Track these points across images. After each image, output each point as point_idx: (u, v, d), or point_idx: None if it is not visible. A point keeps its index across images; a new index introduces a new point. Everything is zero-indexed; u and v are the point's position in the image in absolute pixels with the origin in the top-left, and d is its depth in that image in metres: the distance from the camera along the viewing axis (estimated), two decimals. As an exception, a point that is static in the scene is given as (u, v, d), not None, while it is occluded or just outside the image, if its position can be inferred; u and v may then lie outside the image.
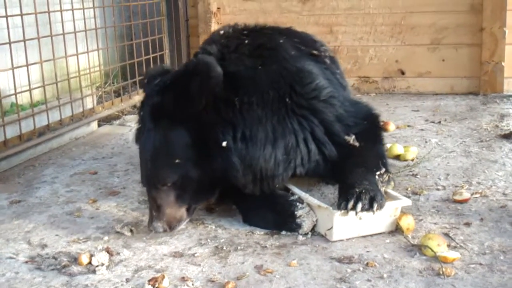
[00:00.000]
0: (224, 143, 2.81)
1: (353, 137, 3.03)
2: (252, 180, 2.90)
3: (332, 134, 3.02)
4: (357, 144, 3.01)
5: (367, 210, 2.67)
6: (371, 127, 3.20)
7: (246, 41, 3.15)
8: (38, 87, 4.46)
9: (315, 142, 2.99)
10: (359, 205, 2.66)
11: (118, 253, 2.72)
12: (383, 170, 2.94)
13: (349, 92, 3.53)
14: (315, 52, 3.33)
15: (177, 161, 2.83)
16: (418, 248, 2.63)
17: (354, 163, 2.94)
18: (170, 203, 2.87)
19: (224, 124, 2.83)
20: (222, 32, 3.31)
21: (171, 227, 2.88)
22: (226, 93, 2.83)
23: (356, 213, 2.66)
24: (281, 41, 3.23)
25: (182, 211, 2.92)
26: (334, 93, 3.13)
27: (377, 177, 2.87)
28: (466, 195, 3.17)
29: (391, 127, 4.59)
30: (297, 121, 2.96)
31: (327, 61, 3.37)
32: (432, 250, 2.54)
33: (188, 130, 2.83)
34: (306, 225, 2.83)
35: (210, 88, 2.78)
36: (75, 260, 2.66)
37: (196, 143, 2.84)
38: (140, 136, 3.03)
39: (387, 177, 2.95)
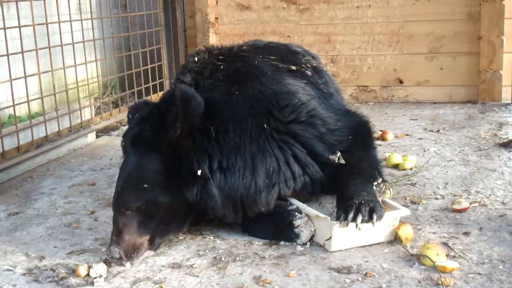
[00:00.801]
0: (199, 172, 2.77)
1: (339, 154, 2.99)
2: (233, 209, 2.87)
3: (315, 155, 2.99)
4: (343, 161, 2.97)
5: (367, 221, 2.66)
6: (360, 137, 3.17)
7: (222, 67, 3.10)
8: (36, 98, 4.47)
9: (298, 163, 2.95)
10: (359, 217, 2.64)
11: (116, 265, 2.71)
12: (380, 180, 2.94)
13: (338, 98, 3.44)
14: (293, 67, 3.26)
15: (145, 185, 2.77)
16: (417, 258, 2.63)
17: (350, 174, 2.94)
18: (131, 229, 2.75)
19: (199, 153, 2.79)
20: (196, 58, 3.23)
21: (127, 255, 2.71)
22: (203, 121, 2.80)
23: (356, 225, 2.65)
24: (256, 62, 3.16)
25: (143, 241, 2.77)
26: (315, 111, 3.08)
27: (374, 187, 2.86)
28: (465, 204, 3.17)
29: (390, 136, 4.59)
30: (277, 145, 2.92)
31: (309, 73, 3.30)
32: (431, 260, 2.54)
33: (162, 157, 2.80)
34: (304, 235, 2.82)
35: (187, 118, 2.75)
36: (73, 272, 2.65)
37: (168, 170, 2.79)
38: (122, 164, 3.00)
39: (384, 187, 2.94)
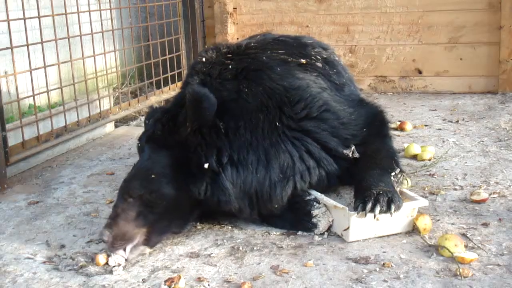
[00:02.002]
0: (206, 165, 2.78)
1: (353, 148, 2.98)
2: (249, 204, 2.87)
3: (329, 150, 2.98)
4: (357, 155, 2.97)
5: (385, 212, 2.66)
6: (375, 127, 3.16)
7: (230, 66, 3.10)
8: (56, 88, 4.49)
9: (313, 158, 2.95)
10: (378, 208, 2.65)
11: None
12: (398, 170, 2.93)
13: (351, 88, 3.42)
14: (303, 61, 3.25)
15: (152, 176, 2.80)
16: (435, 249, 2.62)
17: (368, 164, 2.93)
18: (128, 217, 2.72)
19: (207, 147, 2.81)
20: (204, 58, 3.23)
21: (114, 243, 2.64)
22: (212, 118, 2.82)
23: (375, 216, 2.65)
24: (264, 58, 3.16)
25: (137, 232, 2.70)
26: (327, 105, 3.07)
27: (392, 177, 2.86)
28: (484, 195, 3.15)
29: (408, 126, 4.56)
30: (290, 142, 2.92)
31: (319, 65, 3.30)
32: (449, 251, 2.53)
33: (172, 153, 2.85)
34: (322, 225, 2.83)
35: (199, 117, 2.78)
36: (92, 260, 2.68)
37: (177, 165, 2.82)
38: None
39: (401, 177, 2.93)
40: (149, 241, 2.74)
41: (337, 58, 3.56)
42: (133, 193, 2.77)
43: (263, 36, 3.62)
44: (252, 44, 3.35)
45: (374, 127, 3.17)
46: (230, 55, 3.21)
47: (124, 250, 2.66)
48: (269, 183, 2.85)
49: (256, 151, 2.85)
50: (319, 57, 3.35)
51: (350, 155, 2.97)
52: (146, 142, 2.96)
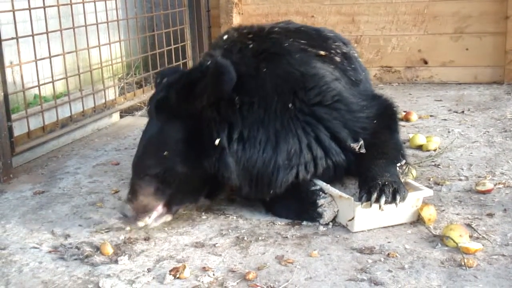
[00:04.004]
0: (217, 141, 2.78)
1: (361, 143, 2.96)
2: (248, 183, 2.87)
3: (339, 140, 2.97)
4: (363, 151, 2.94)
5: (390, 202, 2.65)
6: (385, 120, 3.14)
7: (251, 46, 3.11)
8: (61, 78, 4.50)
9: (321, 147, 2.93)
10: (383, 198, 2.64)
11: (140, 243, 2.74)
12: (403, 161, 2.92)
13: (366, 85, 3.42)
14: (322, 52, 3.23)
15: (165, 153, 2.82)
16: (440, 239, 2.62)
17: (374, 155, 2.92)
18: (146, 192, 2.83)
19: (221, 122, 2.80)
20: (226, 36, 3.25)
21: (138, 214, 2.81)
22: (229, 93, 2.81)
23: (380, 206, 2.65)
24: (286, 44, 3.15)
25: (157, 204, 2.84)
26: (340, 96, 3.05)
27: (397, 168, 2.85)
28: (489, 185, 3.14)
29: (414, 117, 4.56)
30: (301, 127, 2.91)
31: (338, 59, 3.28)
32: (454, 241, 2.53)
33: (184, 126, 2.84)
34: (327, 215, 2.83)
35: (218, 90, 2.77)
36: (97, 249, 2.68)
37: (190, 139, 2.83)
38: (146, 126, 3.06)
39: (406, 168, 2.92)
40: (170, 210, 2.89)
41: (356, 55, 3.56)
42: (149, 171, 2.83)
43: (285, 24, 3.61)
44: (275, 29, 3.36)
45: (384, 120, 3.15)
46: (251, 36, 3.22)
47: (149, 218, 2.82)
48: (273, 166, 2.84)
49: (267, 130, 2.85)
50: (338, 51, 3.34)
51: (357, 149, 2.95)
52: (156, 109, 2.93)
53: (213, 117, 2.80)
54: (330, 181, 2.98)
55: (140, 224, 2.82)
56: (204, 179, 2.89)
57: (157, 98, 2.95)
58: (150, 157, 2.86)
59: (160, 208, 2.86)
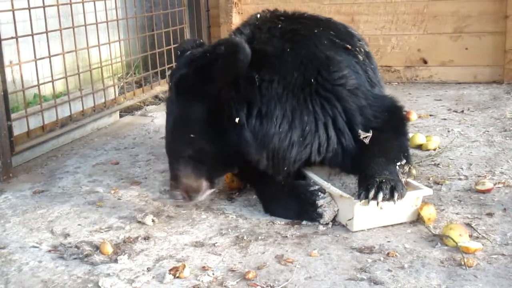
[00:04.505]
0: (237, 120, 2.85)
1: (369, 134, 2.97)
2: (266, 157, 2.93)
3: (353, 125, 3.00)
4: (367, 142, 2.96)
5: (388, 199, 2.65)
6: (393, 119, 3.15)
7: (280, 26, 3.19)
8: (61, 78, 4.50)
9: (335, 130, 2.98)
10: (380, 195, 2.63)
11: (140, 243, 2.74)
12: (404, 161, 2.90)
13: (380, 89, 3.45)
14: (348, 46, 3.31)
15: (192, 135, 2.92)
16: (440, 238, 2.62)
17: (374, 153, 2.92)
18: (187, 174, 2.97)
19: (240, 101, 2.87)
20: (259, 15, 3.36)
21: (189, 195, 2.99)
22: (248, 70, 2.84)
23: (377, 203, 2.64)
24: (316, 31, 3.23)
25: (200, 182, 3.00)
26: (359, 85, 3.11)
27: (397, 167, 2.85)
28: (489, 185, 3.14)
29: (413, 116, 4.56)
30: (320, 104, 2.96)
31: (361, 57, 3.35)
32: (454, 241, 2.53)
33: (205, 107, 2.90)
34: (327, 215, 2.83)
35: (234, 69, 2.81)
36: (97, 249, 2.68)
37: (211, 119, 2.90)
38: (167, 105, 3.14)
39: (407, 169, 2.92)
40: (212, 183, 3.05)
41: (373, 57, 3.62)
42: (182, 153, 2.96)
43: (316, 14, 3.67)
44: (305, 15, 3.46)
45: (393, 120, 3.16)
46: (283, 18, 3.32)
47: (199, 195, 3.01)
48: (289, 141, 2.90)
49: (284, 107, 2.90)
50: (362, 50, 3.41)
51: (361, 137, 2.97)
52: (176, 87, 3.00)
53: (231, 96, 2.86)
54: (337, 169, 3.06)
55: (193, 202, 3.04)
56: (233, 153, 2.96)
57: (178, 76, 3.02)
58: (180, 140, 2.98)
59: (204, 184, 3.00)
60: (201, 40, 3.43)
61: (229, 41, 2.86)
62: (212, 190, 3.08)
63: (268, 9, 3.48)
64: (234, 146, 2.91)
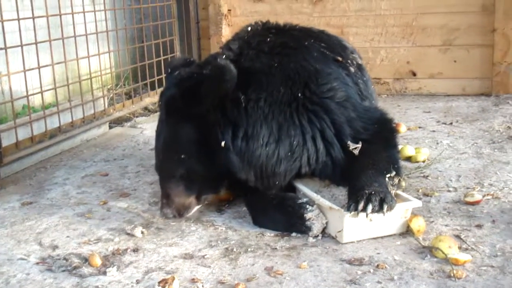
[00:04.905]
0: (222, 143, 2.88)
1: (358, 146, 2.97)
2: (254, 176, 2.96)
3: (342, 137, 3.00)
4: (356, 153, 2.97)
5: (377, 211, 2.65)
6: (383, 131, 3.15)
7: (269, 39, 3.19)
8: (50, 89, 4.48)
9: (324, 142, 2.99)
10: (369, 207, 2.64)
11: (129, 255, 2.73)
12: (394, 173, 2.90)
13: (371, 102, 3.43)
14: (339, 58, 3.31)
15: (182, 156, 2.96)
16: (429, 250, 2.62)
17: (363, 165, 2.92)
18: (178, 192, 3.03)
19: (226, 124, 2.89)
20: (249, 28, 3.36)
21: (180, 213, 3.05)
22: (235, 91, 2.86)
23: (367, 215, 2.65)
24: (306, 43, 3.24)
25: (191, 200, 3.06)
26: (348, 97, 3.11)
27: (387, 179, 2.85)
28: (477, 197, 3.15)
29: (402, 128, 4.57)
30: (307, 117, 2.97)
31: (352, 69, 3.35)
32: (443, 252, 2.53)
33: (194, 128, 2.95)
34: (316, 228, 2.82)
35: (220, 91, 2.84)
36: (85, 261, 2.67)
37: (201, 140, 2.94)
38: (158, 123, 3.16)
39: (397, 181, 2.92)
40: (199, 200, 3.11)
41: (366, 69, 3.63)
42: (174, 173, 3.00)
43: (309, 26, 3.67)
44: (297, 27, 3.47)
45: (383, 132, 3.16)
46: (273, 30, 3.33)
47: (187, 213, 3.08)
48: (276, 158, 2.92)
49: (270, 125, 2.91)
50: (354, 62, 3.42)
51: (350, 148, 2.97)
52: (166, 109, 3.03)
53: (217, 119, 2.89)
54: (327, 180, 3.07)
55: (183, 218, 3.07)
56: (223, 172, 3.00)
57: (166, 97, 3.07)
58: (171, 160, 3.01)
59: (193, 201, 3.07)
60: (191, 58, 3.43)
61: (215, 64, 2.85)
62: (200, 205, 3.14)
63: (260, 20, 3.48)
64: (222, 166, 2.95)
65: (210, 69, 2.85)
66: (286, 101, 2.95)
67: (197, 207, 3.12)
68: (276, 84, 2.97)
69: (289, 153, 2.93)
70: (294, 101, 2.97)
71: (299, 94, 2.98)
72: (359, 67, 3.45)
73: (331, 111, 3.02)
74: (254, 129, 2.89)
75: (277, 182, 2.98)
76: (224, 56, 3.07)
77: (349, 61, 3.38)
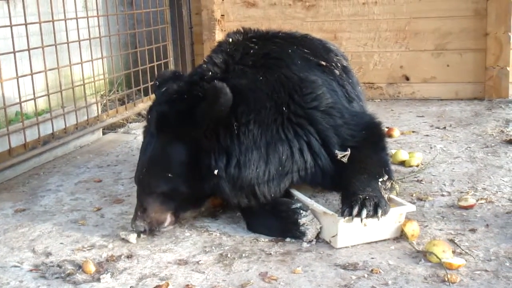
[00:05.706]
0: (215, 172, 2.85)
1: (346, 153, 2.97)
2: (246, 197, 2.93)
3: (328, 146, 3.00)
4: (345, 160, 2.97)
5: (372, 216, 2.66)
6: (371, 136, 3.15)
7: (252, 51, 3.16)
8: (43, 95, 4.48)
9: (311, 153, 2.98)
10: (364, 212, 2.64)
11: (123, 261, 2.72)
12: (386, 177, 2.91)
13: (359, 104, 3.44)
14: (323, 63, 3.31)
15: (169, 175, 2.91)
16: (423, 255, 2.62)
17: (355, 170, 2.93)
18: (155, 208, 2.95)
19: (220, 152, 2.86)
20: (231, 39, 3.30)
21: (151, 229, 2.96)
22: (227, 114, 2.84)
23: (361, 220, 2.65)
24: (289, 51, 3.22)
25: (166, 216, 2.99)
26: (334, 104, 3.10)
27: (380, 183, 2.86)
28: (471, 201, 3.16)
29: (396, 133, 4.58)
30: (292, 130, 2.95)
31: (337, 72, 3.34)
32: (437, 257, 2.53)
33: (186, 149, 2.90)
34: (310, 233, 2.82)
35: (216, 114, 2.82)
36: (79, 268, 2.66)
37: (190, 163, 2.90)
38: (144, 135, 3.11)
39: (390, 184, 2.93)
40: (176, 217, 3.04)
41: (353, 71, 3.61)
42: (156, 189, 2.94)
43: (290, 31, 3.65)
44: (279, 34, 3.43)
45: (372, 136, 3.16)
46: (255, 40, 3.28)
47: (161, 228, 3.00)
48: (268, 177, 2.90)
49: (259, 148, 2.89)
50: (339, 65, 3.41)
51: (339, 157, 2.97)
52: (157, 126, 2.96)
53: (212, 146, 2.86)
54: (320, 189, 3.07)
55: (153, 233, 2.98)
56: (207, 194, 3.02)
57: (158, 113, 2.98)
58: (156, 176, 2.94)
59: (169, 218, 3.00)
60: (180, 72, 3.40)
61: (212, 89, 2.80)
62: (175, 224, 3.06)
63: (240, 29, 3.43)
64: (210, 191, 2.96)
65: (209, 92, 2.81)
66: (272, 117, 2.93)
67: (172, 226, 3.04)
68: (263, 100, 2.94)
69: (280, 168, 2.92)
70: (280, 115, 2.95)
71: (284, 108, 2.96)
72: (344, 69, 3.43)
73: (316, 121, 3.00)
74: (246, 157, 2.86)
75: (271, 197, 2.94)
76: (210, 73, 3.03)
77: (333, 64, 3.36)
